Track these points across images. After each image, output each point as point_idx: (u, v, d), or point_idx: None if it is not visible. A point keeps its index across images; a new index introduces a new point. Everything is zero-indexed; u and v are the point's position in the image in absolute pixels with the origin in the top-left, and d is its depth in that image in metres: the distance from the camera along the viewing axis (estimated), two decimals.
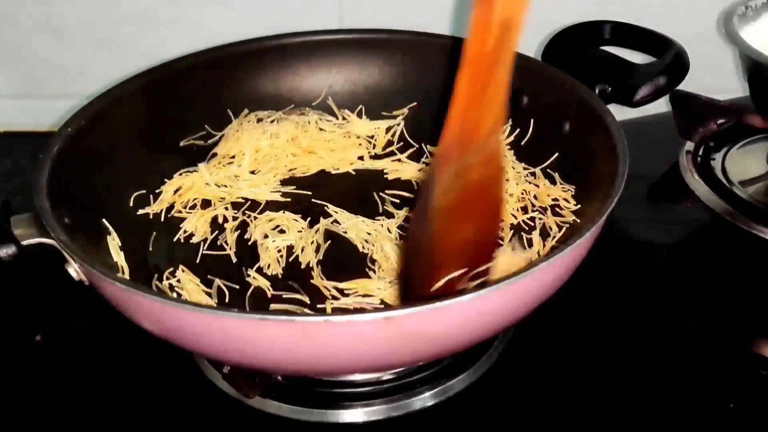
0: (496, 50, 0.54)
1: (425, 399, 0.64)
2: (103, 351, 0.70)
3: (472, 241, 0.59)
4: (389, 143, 0.81)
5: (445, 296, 0.52)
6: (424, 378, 0.65)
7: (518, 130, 0.77)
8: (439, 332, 0.55)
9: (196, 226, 0.71)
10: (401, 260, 0.65)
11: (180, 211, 0.73)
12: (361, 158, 0.79)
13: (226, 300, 0.65)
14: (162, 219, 0.72)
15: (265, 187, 0.75)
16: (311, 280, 0.67)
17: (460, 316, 0.54)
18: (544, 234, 0.70)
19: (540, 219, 0.71)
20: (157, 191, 0.74)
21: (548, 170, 0.74)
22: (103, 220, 0.67)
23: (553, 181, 0.73)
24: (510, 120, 0.77)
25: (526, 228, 0.71)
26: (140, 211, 0.71)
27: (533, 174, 0.74)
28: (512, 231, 0.71)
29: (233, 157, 0.77)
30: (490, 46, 0.53)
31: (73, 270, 0.60)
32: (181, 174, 0.75)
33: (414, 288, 0.61)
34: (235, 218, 0.73)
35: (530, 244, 0.70)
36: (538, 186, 0.73)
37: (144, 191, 0.73)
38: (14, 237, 0.60)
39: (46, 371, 0.68)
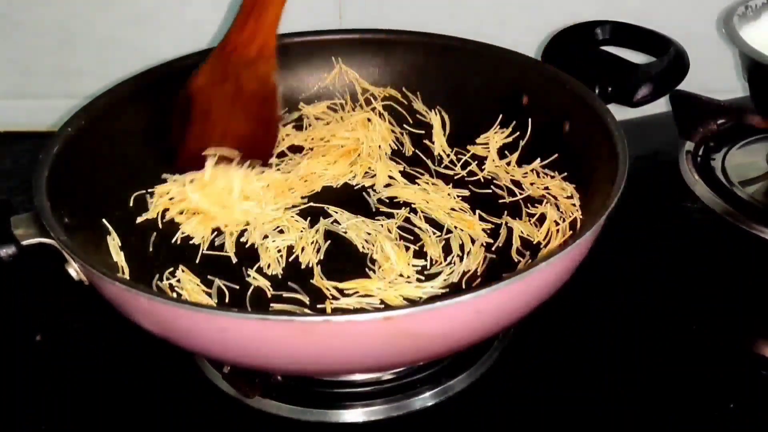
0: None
1: (425, 399, 0.65)
2: (103, 351, 0.70)
3: (250, 138, 0.74)
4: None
5: (445, 296, 0.52)
6: (424, 378, 0.65)
7: (518, 130, 0.77)
8: (439, 332, 0.55)
9: (195, 229, 0.71)
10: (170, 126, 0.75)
11: (174, 217, 0.72)
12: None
13: (226, 300, 0.65)
14: (162, 219, 0.72)
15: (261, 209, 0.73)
16: (311, 280, 0.67)
17: (460, 316, 0.54)
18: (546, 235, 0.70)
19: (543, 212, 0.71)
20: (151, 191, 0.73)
21: (548, 170, 0.74)
22: (103, 220, 0.67)
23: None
24: (510, 120, 0.77)
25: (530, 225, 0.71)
26: (139, 219, 0.71)
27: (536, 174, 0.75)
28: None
29: None
30: None
31: (73, 270, 0.60)
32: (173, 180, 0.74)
33: (183, 150, 0.73)
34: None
35: (533, 248, 0.70)
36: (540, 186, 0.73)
37: (144, 191, 0.73)
38: (14, 237, 0.60)
39: (46, 371, 0.68)
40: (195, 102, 0.72)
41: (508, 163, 0.76)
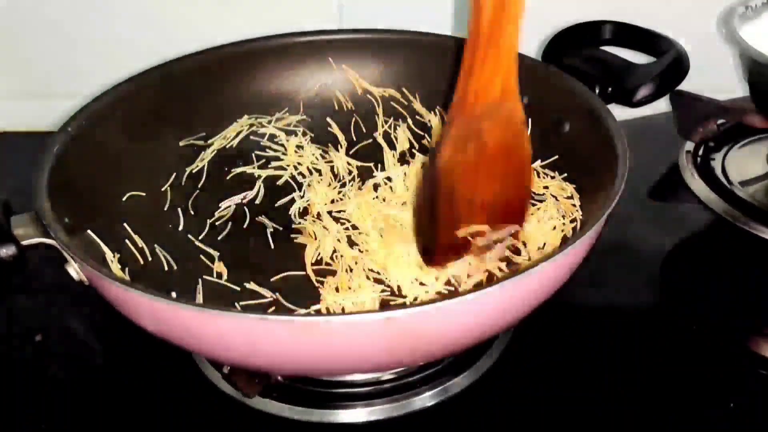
0: (493, 23, 0.58)
1: (425, 399, 0.65)
2: (103, 351, 0.70)
3: (499, 201, 0.64)
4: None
5: (445, 296, 0.52)
6: (424, 378, 0.65)
7: None
8: (439, 332, 0.55)
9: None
10: (414, 220, 0.68)
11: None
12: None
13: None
14: (162, 219, 0.72)
15: None
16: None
17: (460, 316, 0.54)
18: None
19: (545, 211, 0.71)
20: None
21: (548, 170, 0.74)
22: (89, 232, 0.66)
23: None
24: None
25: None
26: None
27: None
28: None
29: None
30: (486, 20, 0.58)
31: (73, 270, 0.60)
32: None
33: (433, 241, 0.64)
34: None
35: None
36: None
37: (144, 191, 0.73)
38: (14, 237, 0.60)
39: (46, 371, 0.68)
40: (440, 188, 0.62)
41: None
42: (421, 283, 0.65)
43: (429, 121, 0.81)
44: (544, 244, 0.69)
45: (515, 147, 0.63)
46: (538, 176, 0.74)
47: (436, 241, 0.64)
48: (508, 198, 0.65)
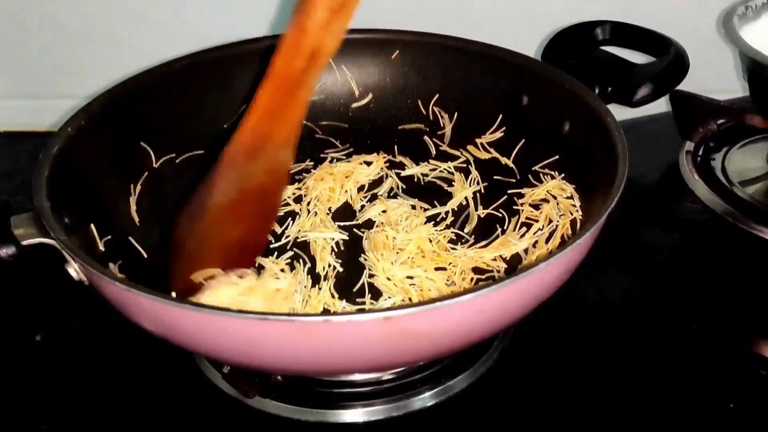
0: (301, 74, 0.57)
1: (425, 399, 0.65)
2: (103, 351, 0.70)
3: (239, 242, 0.63)
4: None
5: (446, 296, 0.52)
6: (424, 378, 0.65)
7: (518, 130, 0.77)
8: (439, 332, 0.55)
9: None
10: (172, 246, 0.65)
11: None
12: None
13: None
14: (163, 219, 0.72)
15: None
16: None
17: (460, 316, 0.54)
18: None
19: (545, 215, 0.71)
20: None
21: (548, 170, 0.74)
22: (89, 231, 0.66)
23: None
24: (510, 120, 0.77)
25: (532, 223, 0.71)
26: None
27: (535, 174, 0.75)
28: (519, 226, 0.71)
29: None
30: (296, 69, 0.57)
31: (73, 270, 0.60)
32: None
33: (177, 275, 0.63)
34: None
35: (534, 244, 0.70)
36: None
37: (144, 191, 0.73)
38: (14, 237, 0.60)
39: (46, 371, 0.68)
40: (202, 222, 0.62)
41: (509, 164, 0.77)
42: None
43: (427, 122, 0.81)
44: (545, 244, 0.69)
45: (273, 193, 0.62)
46: (538, 177, 0.74)
47: (176, 274, 0.62)
48: (248, 240, 0.63)
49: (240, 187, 0.60)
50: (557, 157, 0.74)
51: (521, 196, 0.74)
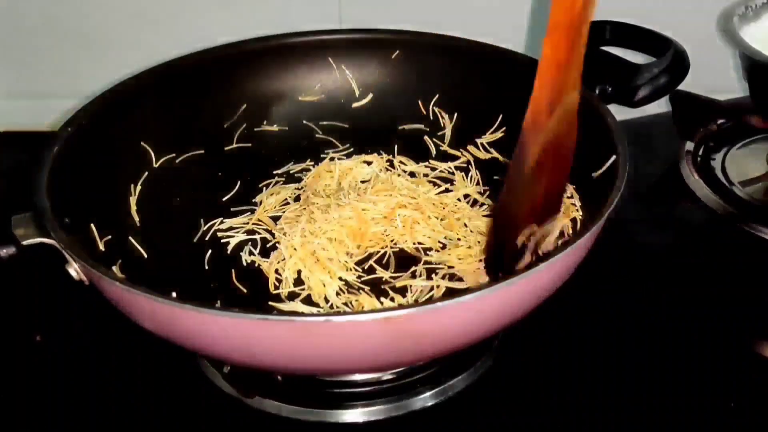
0: (581, 13, 0.54)
1: (425, 399, 0.65)
2: (103, 351, 0.70)
3: (545, 196, 0.61)
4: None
5: (446, 296, 0.52)
6: (424, 378, 0.65)
7: (519, 130, 0.77)
8: (439, 332, 0.55)
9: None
10: (490, 231, 0.66)
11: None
12: None
13: None
14: (163, 219, 0.72)
15: None
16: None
17: (460, 316, 0.54)
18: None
19: None
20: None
21: None
22: (89, 231, 0.66)
23: None
24: (510, 120, 0.77)
25: None
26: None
27: None
28: None
29: None
30: (578, 9, 0.54)
31: (73, 270, 0.60)
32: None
33: (500, 249, 0.62)
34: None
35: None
36: None
37: (144, 191, 0.73)
38: (14, 237, 0.60)
39: (46, 371, 0.68)
40: (524, 189, 0.60)
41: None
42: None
43: (428, 122, 0.81)
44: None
45: (567, 138, 0.60)
46: None
47: (506, 248, 0.62)
48: (552, 191, 0.62)
49: (543, 146, 0.58)
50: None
51: None
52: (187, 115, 0.77)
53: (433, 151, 0.80)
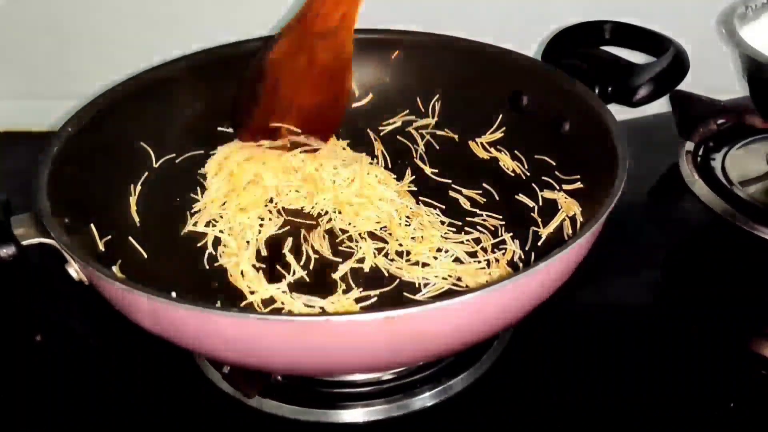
0: None
1: (425, 399, 0.65)
2: (103, 351, 0.70)
3: (312, 114, 0.74)
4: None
5: (446, 296, 0.52)
6: (424, 378, 0.65)
7: (518, 130, 0.77)
8: (439, 332, 0.55)
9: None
10: (237, 90, 0.76)
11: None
12: None
13: None
14: (163, 219, 0.72)
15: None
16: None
17: (460, 315, 0.54)
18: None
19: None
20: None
21: (548, 170, 0.74)
22: (89, 231, 0.66)
23: (557, 182, 0.73)
24: (510, 120, 0.77)
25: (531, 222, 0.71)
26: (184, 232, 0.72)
27: (535, 174, 0.75)
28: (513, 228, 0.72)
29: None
30: None
31: (73, 270, 0.60)
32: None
33: (249, 119, 0.75)
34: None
35: (536, 239, 0.70)
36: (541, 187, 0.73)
37: (144, 191, 0.73)
38: (14, 237, 0.60)
39: (46, 371, 0.68)
40: (267, 75, 0.73)
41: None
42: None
43: (429, 121, 0.81)
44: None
45: (339, 74, 0.73)
46: (538, 177, 0.74)
47: (251, 121, 0.74)
48: (321, 115, 0.75)
49: (308, 58, 0.72)
50: (557, 156, 0.74)
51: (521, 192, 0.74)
52: (187, 115, 0.77)
53: (432, 151, 0.80)
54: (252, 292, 0.66)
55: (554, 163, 0.73)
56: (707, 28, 0.89)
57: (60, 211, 0.61)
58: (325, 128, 0.76)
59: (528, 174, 0.75)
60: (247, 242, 0.70)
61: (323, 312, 0.64)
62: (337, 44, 0.72)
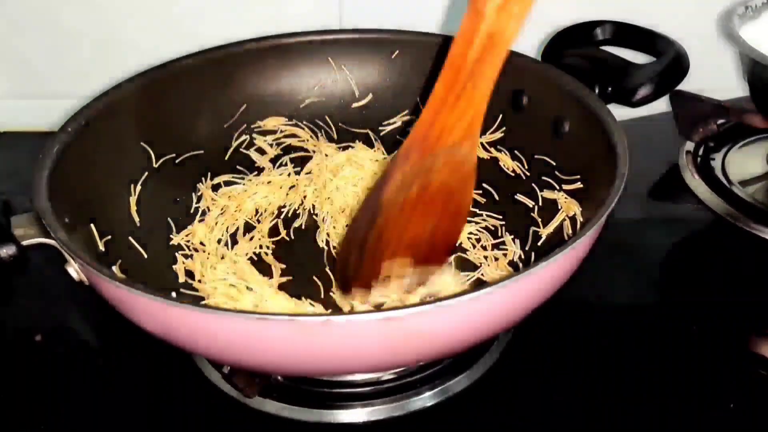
0: (478, 61, 0.54)
1: (425, 399, 0.65)
2: (103, 351, 0.70)
3: (428, 241, 0.62)
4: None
5: (445, 296, 0.52)
6: (424, 378, 0.65)
7: (518, 130, 0.77)
8: (439, 332, 0.55)
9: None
10: (342, 246, 0.67)
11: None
12: None
13: None
14: (163, 219, 0.72)
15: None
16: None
17: (460, 316, 0.54)
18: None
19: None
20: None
21: (548, 170, 0.74)
22: (89, 231, 0.66)
23: (557, 182, 0.73)
24: (509, 120, 0.77)
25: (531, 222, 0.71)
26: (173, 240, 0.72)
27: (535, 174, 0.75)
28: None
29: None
30: (473, 56, 0.54)
31: (73, 270, 0.60)
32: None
33: (355, 275, 0.63)
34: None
35: (536, 239, 0.70)
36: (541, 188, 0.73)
37: (144, 191, 0.73)
38: (14, 237, 0.60)
39: (46, 371, 0.68)
40: (379, 217, 0.60)
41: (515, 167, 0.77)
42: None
43: None
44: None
45: (459, 191, 0.61)
46: (538, 177, 0.74)
47: (359, 272, 0.62)
48: (437, 239, 0.63)
49: (422, 183, 0.58)
50: (557, 156, 0.74)
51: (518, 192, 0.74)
52: (187, 115, 0.77)
53: None
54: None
55: (554, 163, 0.73)
56: (707, 28, 0.89)
57: (60, 211, 0.61)
58: (442, 251, 0.65)
59: (528, 174, 0.75)
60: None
61: (323, 312, 0.64)
62: (460, 157, 0.59)
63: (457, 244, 0.66)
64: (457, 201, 0.61)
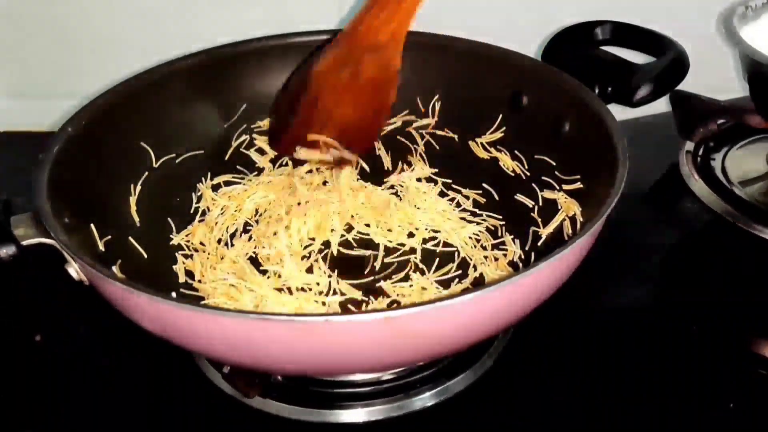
0: None
1: (425, 399, 0.65)
2: (103, 351, 0.70)
3: (353, 127, 0.73)
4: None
5: (445, 296, 0.52)
6: (424, 378, 0.65)
7: (518, 130, 0.77)
8: (439, 332, 0.55)
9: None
10: (276, 103, 0.77)
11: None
12: None
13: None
14: (163, 219, 0.72)
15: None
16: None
17: (460, 316, 0.54)
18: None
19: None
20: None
21: (548, 170, 0.74)
22: (89, 231, 0.66)
23: (557, 182, 0.73)
24: (509, 120, 0.77)
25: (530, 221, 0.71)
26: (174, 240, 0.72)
27: (536, 174, 0.75)
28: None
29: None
30: None
31: (73, 270, 0.60)
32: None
33: (285, 130, 0.75)
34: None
35: (536, 239, 0.70)
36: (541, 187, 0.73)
37: (144, 191, 0.73)
38: (14, 237, 0.60)
39: (46, 371, 0.68)
40: (309, 88, 0.72)
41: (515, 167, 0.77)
42: None
43: (429, 121, 0.81)
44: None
45: (383, 89, 0.72)
46: (538, 177, 0.74)
47: (288, 132, 0.74)
48: (362, 128, 0.74)
49: (352, 71, 0.71)
50: (557, 156, 0.74)
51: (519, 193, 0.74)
52: (187, 115, 0.77)
53: (432, 151, 0.80)
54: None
55: (554, 163, 0.73)
56: (707, 28, 0.89)
57: (60, 211, 0.61)
58: (363, 141, 0.75)
59: (528, 174, 0.75)
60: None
61: (323, 312, 0.64)
62: (385, 59, 0.70)
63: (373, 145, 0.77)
64: (381, 98, 0.73)
